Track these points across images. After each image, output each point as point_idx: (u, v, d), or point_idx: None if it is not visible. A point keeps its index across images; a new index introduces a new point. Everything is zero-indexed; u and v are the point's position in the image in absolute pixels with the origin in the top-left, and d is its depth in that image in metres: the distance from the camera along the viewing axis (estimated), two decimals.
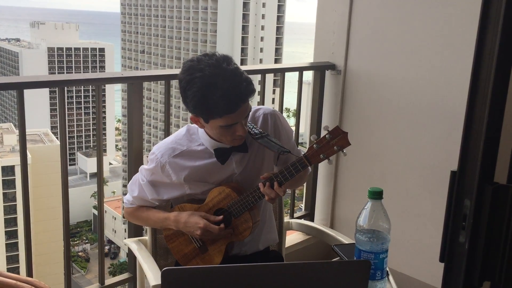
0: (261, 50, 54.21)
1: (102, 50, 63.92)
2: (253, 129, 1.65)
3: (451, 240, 1.08)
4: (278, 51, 55.54)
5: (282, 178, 1.54)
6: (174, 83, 2.02)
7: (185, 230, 1.69)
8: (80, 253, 39.64)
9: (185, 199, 1.75)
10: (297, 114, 3.05)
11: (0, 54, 67.07)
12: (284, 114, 2.68)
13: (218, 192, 1.66)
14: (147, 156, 1.91)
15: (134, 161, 2.19)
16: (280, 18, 56.15)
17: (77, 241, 40.47)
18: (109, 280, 2.32)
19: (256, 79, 2.75)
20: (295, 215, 3.12)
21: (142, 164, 2.00)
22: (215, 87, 1.46)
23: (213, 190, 1.67)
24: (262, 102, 2.70)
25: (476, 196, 1.03)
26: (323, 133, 1.49)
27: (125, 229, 43.58)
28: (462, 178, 1.05)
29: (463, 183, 1.05)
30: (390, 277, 1.37)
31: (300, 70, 2.89)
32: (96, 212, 44.64)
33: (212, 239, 1.70)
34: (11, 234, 31.87)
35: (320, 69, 2.97)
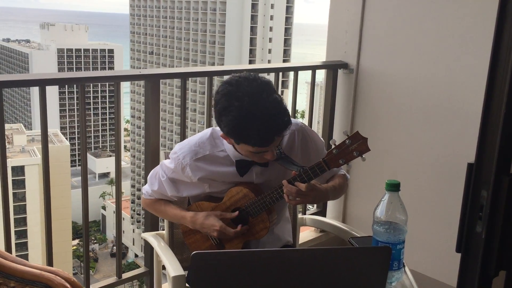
0: (269, 51, 54.24)
1: (111, 51, 64.29)
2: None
3: (467, 230, 1.11)
4: (286, 52, 55.53)
5: (299, 181, 1.54)
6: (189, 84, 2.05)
7: (202, 230, 1.72)
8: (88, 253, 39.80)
9: (203, 197, 1.78)
10: (310, 114, 3.08)
11: (11, 55, 67.62)
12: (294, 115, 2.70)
13: (236, 192, 1.68)
14: (165, 152, 1.95)
15: (151, 156, 2.23)
16: (288, 19, 56.14)
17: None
18: (126, 274, 2.36)
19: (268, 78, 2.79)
20: (308, 212, 3.15)
21: (159, 159, 2.03)
22: (252, 121, 1.43)
23: (231, 189, 1.69)
24: None
25: (493, 186, 1.06)
26: (343, 137, 1.48)
27: (133, 230, 43.74)
28: (479, 169, 1.08)
29: (480, 174, 1.08)
30: (406, 269, 1.39)
31: (313, 68, 2.92)
32: (104, 212, 44.93)
33: (229, 238, 1.72)
34: (20, 234, 32.13)
35: (332, 68, 2.99)
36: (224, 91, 1.48)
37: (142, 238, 2.04)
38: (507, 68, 1.01)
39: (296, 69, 2.86)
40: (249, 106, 1.43)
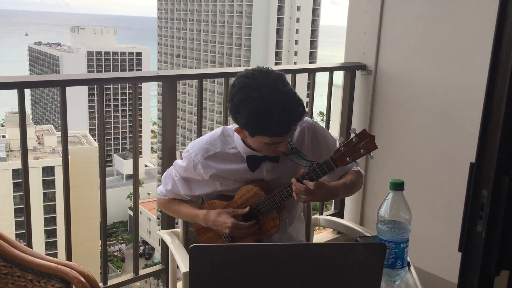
0: (295, 53, 54.19)
1: (139, 54, 65.19)
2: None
3: (468, 229, 1.11)
4: (312, 55, 55.39)
5: (308, 179, 1.56)
6: (207, 85, 2.09)
7: (214, 228, 1.75)
8: (116, 253, 40.46)
9: (215, 195, 1.81)
10: (327, 115, 3.09)
11: (42, 58, 69.29)
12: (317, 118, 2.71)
13: (247, 190, 1.71)
14: (180, 152, 1.99)
15: (167, 156, 2.28)
16: (315, 22, 55.98)
17: (113, 241, 41.35)
18: (143, 271, 2.42)
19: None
20: (324, 213, 3.16)
21: (176, 159, 2.07)
22: (271, 110, 1.47)
23: (242, 188, 1.72)
24: None
25: (493, 186, 1.06)
26: (351, 136, 1.51)
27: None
28: (479, 168, 1.08)
29: (480, 173, 1.09)
30: (412, 268, 1.40)
31: (331, 70, 2.93)
32: (131, 213, 45.48)
33: (240, 236, 1.75)
34: (50, 233, 32.86)
35: (350, 69, 3.00)
36: (240, 84, 1.52)
37: (157, 234, 2.08)
38: (507, 67, 1.01)
39: (314, 71, 2.88)
40: (267, 96, 1.47)
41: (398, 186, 1.29)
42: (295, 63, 51.86)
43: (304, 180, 1.55)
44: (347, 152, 1.50)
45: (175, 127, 2.32)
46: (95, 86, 2.15)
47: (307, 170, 1.56)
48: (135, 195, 2.36)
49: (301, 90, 2.69)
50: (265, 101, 1.47)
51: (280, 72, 1.54)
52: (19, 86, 1.90)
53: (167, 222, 2.34)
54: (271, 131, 1.51)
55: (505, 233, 1.08)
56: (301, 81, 2.85)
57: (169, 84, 2.24)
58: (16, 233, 28.68)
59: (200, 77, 2.32)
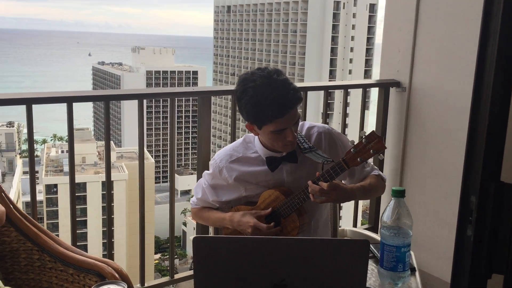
0: (350, 72, 53.88)
1: (195, 72, 67.02)
2: (303, 144, 1.80)
3: (459, 234, 1.18)
4: (367, 73, 54.86)
5: (323, 181, 1.66)
6: None
7: (239, 228, 1.87)
8: (168, 267, 41.23)
9: (242, 202, 1.94)
10: (361, 129, 3.15)
11: (105, 77, 72.57)
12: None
13: (268, 194, 1.83)
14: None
15: (202, 168, 2.43)
16: (370, 40, 55.58)
17: (167, 256, 42.19)
18: (178, 275, 2.57)
19: (320, 96, 2.92)
20: (358, 228, 3.20)
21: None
22: (266, 95, 1.62)
23: (264, 193, 1.84)
24: (324, 120, 2.84)
25: (480, 192, 1.13)
26: (361, 138, 1.61)
27: None
28: (468, 175, 1.16)
29: (469, 180, 1.15)
30: (417, 273, 1.45)
31: (364, 87, 3.00)
32: (185, 228, 46.43)
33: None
34: (107, 246, 33.91)
35: (384, 86, 3.06)
36: (240, 79, 1.71)
37: (191, 240, 2.22)
38: (490, 78, 1.09)
39: (346, 87, 2.96)
40: (262, 84, 1.64)
41: (399, 193, 1.37)
42: (350, 80, 51.45)
43: (319, 181, 1.64)
44: (358, 153, 1.59)
45: (209, 140, 2.47)
46: (150, 102, 2.33)
47: (322, 172, 1.66)
48: (171, 199, 2.52)
49: (354, 108, 2.78)
50: (260, 87, 1.64)
51: (277, 68, 1.72)
52: (27, 102, 2.04)
53: (201, 230, 2.48)
54: (269, 114, 1.64)
55: (493, 237, 1.14)
56: (356, 97, 2.94)
57: (204, 100, 2.40)
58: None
59: (234, 93, 2.46)
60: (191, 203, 2.07)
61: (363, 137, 1.59)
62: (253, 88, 1.66)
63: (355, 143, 1.62)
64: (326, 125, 1.91)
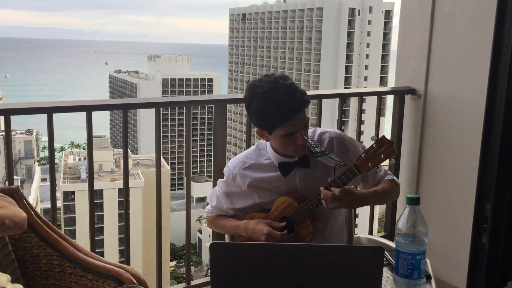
0: (365, 79, 53.70)
1: (210, 80, 67.42)
2: (315, 148, 1.82)
3: (474, 241, 1.18)
4: (383, 80, 54.63)
5: (335, 186, 1.67)
6: None
7: (253, 236, 1.89)
8: (184, 275, 41.26)
9: (256, 209, 1.95)
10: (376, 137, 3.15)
11: (121, 85, 73.36)
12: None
13: (282, 201, 1.84)
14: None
15: (218, 175, 2.45)
16: (385, 46, 55.38)
17: (182, 263, 42.28)
18: (194, 281, 2.59)
19: (336, 103, 2.93)
20: (374, 236, 3.19)
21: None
22: (273, 99, 1.66)
23: (277, 199, 1.85)
24: (339, 127, 2.85)
25: (495, 200, 1.13)
26: (371, 143, 1.60)
27: None
28: (482, 183, 1.16)
29: (484, 188, 1.16)
30: (432, 281, 1.46)
31: (379, 94, 3.00)
32: (200, 236, 46.56)
33: None
34: (123, 253, 34.13)
35: (399, 93, 3.06)
36: (248, 86, 1.75)
37: (207, 246, 2.24)
38: (504, 88, 1.10)
39: (361, 95, 2.97)
40: (269, 89, 1.68)
41: (414, 201, 1.37)
42: (365, 88, 51.32)
43: (331, 187, 1.66)
44: (368, 158, 1.60)
45: (225, 147, 2.50)
46: (165, 110, 2.36)
47: (333, 177, 1.68)
48: (187, 207, 2.55)
49: (370, 115, 2.79)
50: (267, 93, 1.67)
51: (284, 74, 1.75)
52: (48, 111, 2.09)
53: (217, 237, 2.50)
54: (277, 117, 1.67)
55: (508, 244, 1.15)
56: (372, 103, 2.95)
57: (219, 108, 2.43)
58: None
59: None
60: (206, 211, 2.09)
61: (374, 142, 1.59)
62: (260, 93, 1.69)
63: (365, 148, 1.63)
64: (338, 131, 1.92)
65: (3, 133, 2.22)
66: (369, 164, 1.60)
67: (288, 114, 1.67)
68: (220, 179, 2.00)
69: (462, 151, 2.85)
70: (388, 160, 1.59)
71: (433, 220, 3.06)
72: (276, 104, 1.66)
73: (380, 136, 1.60)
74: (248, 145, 2.59)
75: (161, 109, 2.33)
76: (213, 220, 2.06)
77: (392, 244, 2.28)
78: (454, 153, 2.90)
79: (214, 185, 2.33)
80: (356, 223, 2.23)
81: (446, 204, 2.96)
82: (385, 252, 1.62)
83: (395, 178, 1.90)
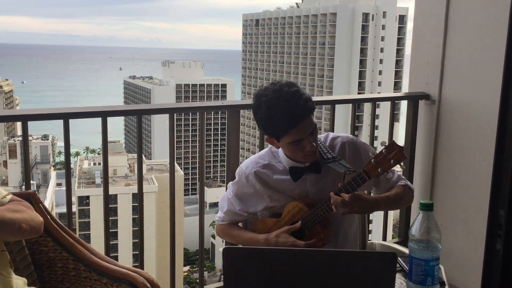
0: (379, 83, 53.44)
1: (224, 85, 67.67)
2: (326, 154, 1.82)
3: (488, 247, 1.18)
4: (397, 85, 54.31)
5: (345, 192, 1.66)
6: None
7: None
8: (197, 280, 41.31)
9: (268, 214, 1.94)
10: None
11: (136, 90, 73.96)
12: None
13: (292, 206, 1.84)
14: None
15: (231, 180, 2.46)
16: (399, 51, 55.10)
17: (195, 268, 42.34)
18: (208, 287, 2.60)
19: (349, 108, 2.93)
20: (387, 242, 3.17)
21: None
22: (277, 107, 1.66)
23: (288, 204, 1.85)
24: (352, 133, 2.85)
25: (509, 206, 1.13)
26: (381, 149, 1.60)
27: None
28: (496, 189, 1.16)
29: (498, 194, 1.16)
30: (446, 287, 1.45)
31: (392, 100, 2.99)
32: (214, 241, 46.61)
33: None
34: (136, 258, 34.31)
35: (413, 99, 3.05)
36: (254, 95, 1.76)
37: (220, 251, 2.24)
38: None
39: (375, 100, 2.97)
40: (273, 97, 1.68)
41: (427, 207, 1.37)
42: (378, 93, 51.06)
43: (341, 193, 1.65)
44: (378, 164, 1.59)
45: (238, 152, 2.51)
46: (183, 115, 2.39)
47: (343, 182, 1.67)
48: (201, 212, 2.56)
49: (383, 120, 2.79)
50: (271, 101, 1.68)
51: (290, 81, 1.74)
52: (65, 117, 2.13)
53: (230, 243, 2.51)
54: (281, 126, 1.67)
55: None
56: (385, 109, 2.94)
57: (233, 113, 2.45)
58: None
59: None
60: (216, 219, 2.04)
61: (383, 147, 1.59)
62: (265, 102, 1.70)
63: (374, 154, 1.62)
64: (350, 135, 1.91)
65: (20, 138, 2.26)
66: (379, 169, 1.59)
67: (292, 123, 1.67)
68: (231, 182, 1.99)
69: (476, 156, 2.83)
70: (398, 165, 1.58)
71: (447, 226, 3.04)
72: (280, 112, 1.66)
73: (390, 141, 1.60)
74: (261, 149, 2.59)
75: (175, 114, 2.35)
76: (225, 229, 2.02)
77: (406, 251, 2.27)
78: (468, 159, 2.88)
79: None
80: (370, 229, 2.22)
81: (460, 210, 2.94)
82: (399, 258, 1.61)
83: (408, 183, 1.88)
